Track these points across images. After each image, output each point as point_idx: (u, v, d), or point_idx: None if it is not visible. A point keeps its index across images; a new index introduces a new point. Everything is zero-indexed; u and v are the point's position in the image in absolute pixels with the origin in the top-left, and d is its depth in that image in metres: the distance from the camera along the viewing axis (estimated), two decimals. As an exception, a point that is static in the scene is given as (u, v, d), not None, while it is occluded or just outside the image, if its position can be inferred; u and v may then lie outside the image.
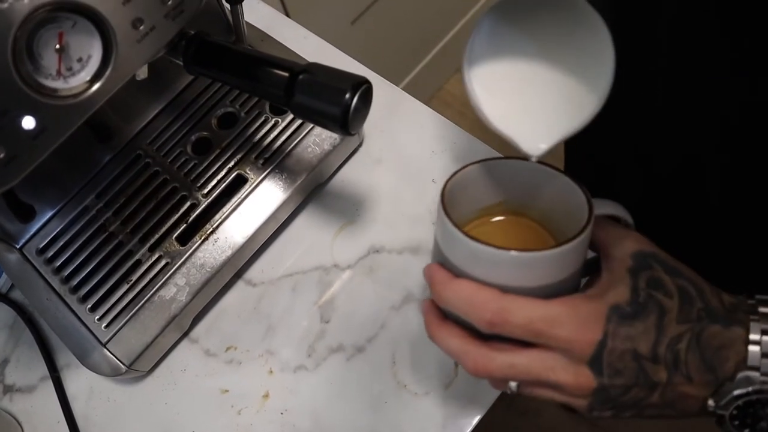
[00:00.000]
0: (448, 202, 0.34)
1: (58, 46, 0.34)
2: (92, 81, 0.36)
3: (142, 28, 0.36)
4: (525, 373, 0.33)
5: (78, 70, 0.35)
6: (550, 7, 0.33)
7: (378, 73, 0.60)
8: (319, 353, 0.51)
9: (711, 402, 0.32)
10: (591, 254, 0.36)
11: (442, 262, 0.35)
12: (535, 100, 0.34)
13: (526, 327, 0.32)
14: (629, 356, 0.31)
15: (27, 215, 0.53)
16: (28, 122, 0.34)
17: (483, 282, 0.33)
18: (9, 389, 0.56)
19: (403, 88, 0.62)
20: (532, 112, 0.34)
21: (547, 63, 0.34)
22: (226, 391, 0.51)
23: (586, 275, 0.36)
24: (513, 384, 0.34)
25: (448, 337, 0.35)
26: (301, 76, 0.40)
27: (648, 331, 0.31)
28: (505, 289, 0.32)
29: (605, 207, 0.35)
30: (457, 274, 0.34)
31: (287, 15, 0.98)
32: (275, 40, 0.59)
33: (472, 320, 0.33)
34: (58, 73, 0.34)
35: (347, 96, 0.38)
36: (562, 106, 0.34)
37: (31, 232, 0.54)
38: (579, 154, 0.63)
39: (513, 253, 0.31)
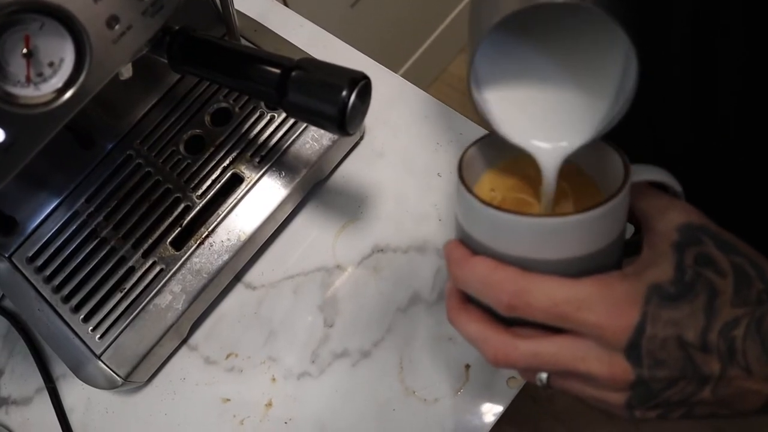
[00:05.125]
0: (465, 171, 0.31)
1: (25, 51, 0.31)
2: (66, 87, 0.33)
3: (117, 27, 0.33)
4: (552, 363, 0.29)
5: (49, 75, 0.32)
6: (558, 15, 0.30)
7: (379, 57, 0.57)
8: (323, 359, 0.49)
9: None
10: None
11: (462, 238, 0.32)
12: (552, 108, 0.31)
13: (549, 310, 0.28)
14: (673, 344, 0.27)
15: (9, 228, 0.50)
16: (-3, 134, 0.32)
17: (506, 258, 0.29)
18: (4, 401, 0.54)
19: (406, 72, 0.59)
20: (550, 121, 0.31)
21: (561, 69, 0.31)
22: (228, 400, 0.50)
23: (630, 256, 0.32)
24: (543, 375, 0.31)
25: (467, 323, 0.31)
26: (294, 73, 0.37)
27: (695, 315, 0.27)
28: (528, 264, 0.29)
29: (648, 173, 0.31)
30: (479, 250, 0.30)
31: (284, 1, 0.95)
32: (269, 30, 0.56)
33: (490, 303, 0.29)
34: (27, 79, 0.32)
35: (344, 93, 0.35)
36: (581, 111, 0.31)
37: (21, 240, 0.52)
38: None
39: (534, 218, 0.28)
